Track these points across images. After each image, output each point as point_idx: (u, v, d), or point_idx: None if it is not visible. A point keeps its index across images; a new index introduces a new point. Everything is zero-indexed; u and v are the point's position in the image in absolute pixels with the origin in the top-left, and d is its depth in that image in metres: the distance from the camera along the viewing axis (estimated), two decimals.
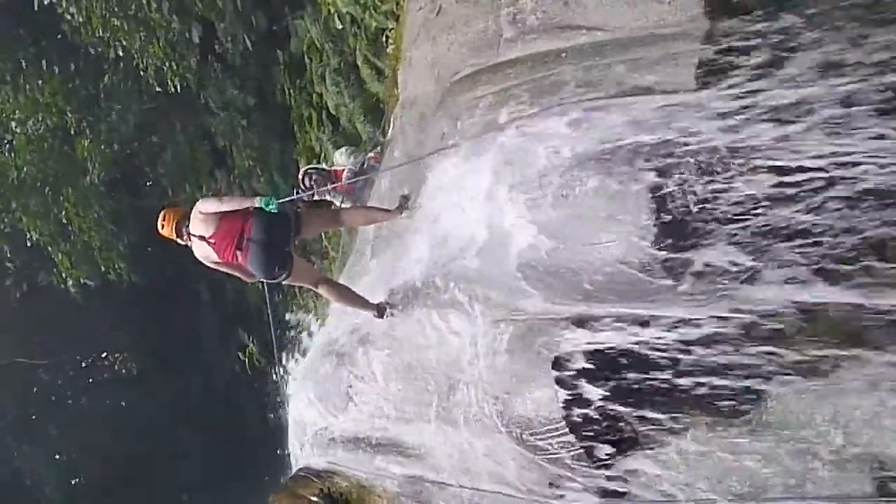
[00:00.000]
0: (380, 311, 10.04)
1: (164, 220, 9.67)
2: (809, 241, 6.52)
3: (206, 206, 9.40)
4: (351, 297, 10.25)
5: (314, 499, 11.26)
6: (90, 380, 34.29)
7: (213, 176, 26.63)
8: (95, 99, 25.45)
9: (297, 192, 13.57)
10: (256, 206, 9.26)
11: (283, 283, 10.03)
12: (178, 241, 9.72)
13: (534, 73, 8.47)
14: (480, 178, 8.56)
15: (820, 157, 6.41)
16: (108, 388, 33.82)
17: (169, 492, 32.29)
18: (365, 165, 14.57)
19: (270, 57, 23.42)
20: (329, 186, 14.18)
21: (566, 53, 8.21)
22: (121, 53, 24.00)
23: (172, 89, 24.04)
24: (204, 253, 9.61)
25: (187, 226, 9.52)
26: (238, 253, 9.29)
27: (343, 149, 15.80)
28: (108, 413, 32.66)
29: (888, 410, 6.34)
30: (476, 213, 8.61)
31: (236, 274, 9.95)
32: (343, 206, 13.87)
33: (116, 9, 22.95)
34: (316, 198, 13.96)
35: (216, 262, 9.69)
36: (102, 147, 25.65)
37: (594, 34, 7.97)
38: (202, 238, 9.39)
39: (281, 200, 9.49)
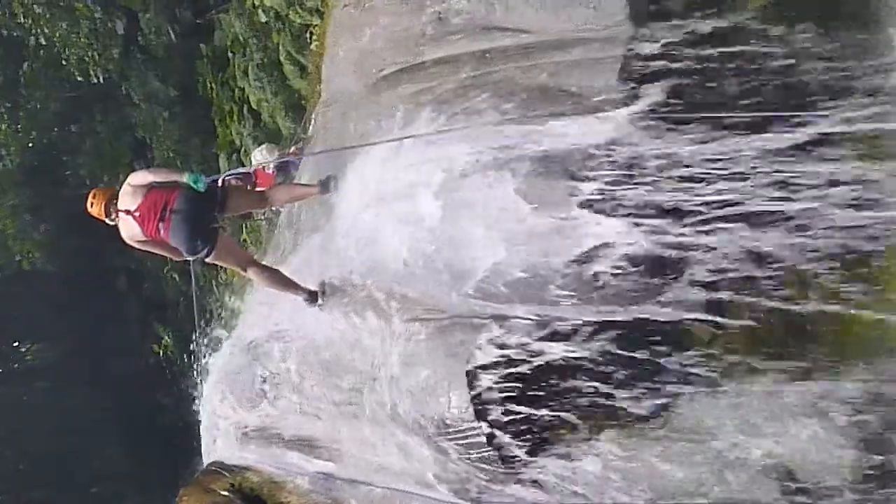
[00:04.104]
0: (311, 295, 9.87)
1: (93, 198, 9.50)
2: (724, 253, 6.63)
3: (136, 178, 9.29)
4: (281, 281, 10.01)
5: (224, 493, 11.18)
6: (0, 370, 33.86)
7: (132, 167, 26.35)
8: (15, 86, 25.11)
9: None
10: (184, 181, 9.14)
11: (208, 261, 9.83)
12: (107, 220, 9.55)
13: (457, 74, 8.48)
14: (401, 177, 8.55)
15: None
16: (21, 378, 33.42)
17: (82, 483, 32.00)
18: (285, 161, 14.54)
19: (194, 50, 23.32)
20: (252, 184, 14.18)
21: (490, 55, 8.22)
22: (42, 42, 23.76)
23: (95, 80, 23.82)
24: (129, 231, 9.46)
25: (115, 203, 9.38)
26: (161, 225, 9.12)
27: (263, 146, 15.70)
28: (20, 404, 32.26)
29: (796, 420, 6.45)
30: (395, 210, 8.60)
31: (163, 252, 9.79)
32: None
33: None
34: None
35: (141, 241, 9.52)
36: (19, 134, 25.33)
37: (519, 36, 7.99)
38: (128, 212, 9.26)
39: (209, 178, 9.34)
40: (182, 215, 9.04)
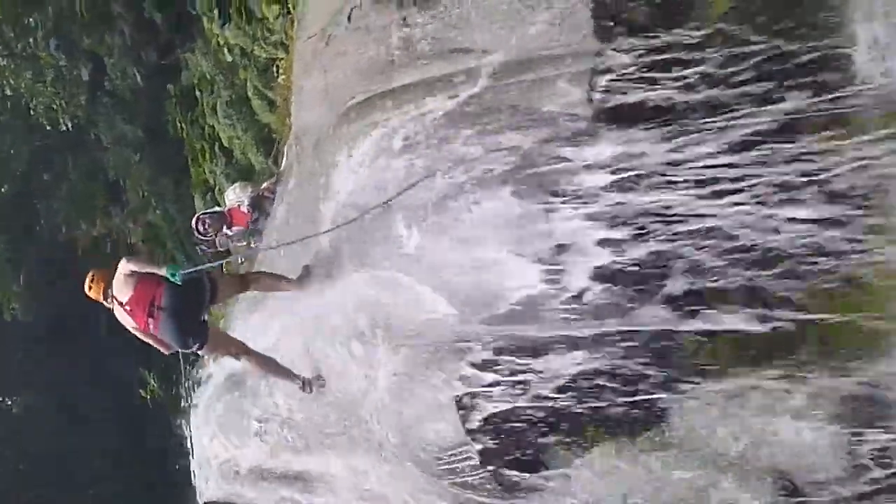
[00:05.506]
0: (305, 384, 9.82)
1: (91, 281, 9.38)
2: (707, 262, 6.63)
3: (125, 266, 9.19)
4: (276, 368, 9.98)
5: None
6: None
7: (107, 212, 26.30)
8: None
9: (198, 245, 13.54)
10: (163, 274, 9.04)
11: (201, 353, 9.79)
12: (105, 303, 9.47)
13: (427, 98, 8.46)
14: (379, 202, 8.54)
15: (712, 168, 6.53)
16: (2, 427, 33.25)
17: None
18: (261, 195, 14.48)
19: (161, 91, 23.20)
20: (226, 232, 14.18)
21: (458, 77, 8.21)
22: (8, 93, 23.71)
23: (63, 127, 23.76)
24: (123, 319, 9.38)
25: (112, 289, 9.30)
26: (150, 321, 9.06)
27: (236, 184, 15.62)
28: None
29: (788, 425, 6.45)
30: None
31: (155, 344, 9.65)
32: (248, 245, 13.89)
33: (1, 47, 22.66)
34: (219, 249, 13.87)
35: (135, 329, 9.45)
36: None
37: (486, 56, 7.97)
38: (120, 304, 9.18)
39: (185, 272, 9.19)
40: (169, 312, 9.02)
